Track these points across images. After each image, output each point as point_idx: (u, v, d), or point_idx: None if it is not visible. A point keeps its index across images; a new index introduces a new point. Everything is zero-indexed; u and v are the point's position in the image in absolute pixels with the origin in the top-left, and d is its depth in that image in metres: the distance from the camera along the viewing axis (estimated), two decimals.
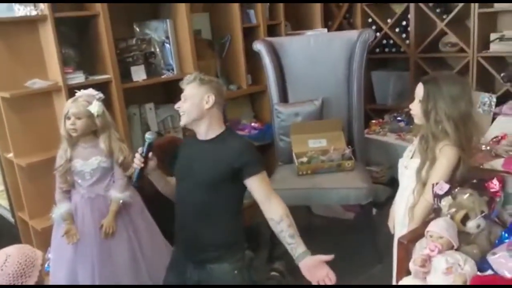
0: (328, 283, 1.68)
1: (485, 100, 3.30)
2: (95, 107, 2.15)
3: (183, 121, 1.91)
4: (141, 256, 2.28)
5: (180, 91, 3.30)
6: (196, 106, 1.87)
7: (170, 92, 3.26)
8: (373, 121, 3.93)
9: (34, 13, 2.46)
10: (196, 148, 1.93)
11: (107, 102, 2.59)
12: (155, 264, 2.29)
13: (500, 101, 3.21)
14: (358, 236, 3.13)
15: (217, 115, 1.91)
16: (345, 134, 3.05)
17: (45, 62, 2.62)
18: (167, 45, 3.05)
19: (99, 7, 2.63)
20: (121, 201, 2.22)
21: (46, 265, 2.43)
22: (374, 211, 3.24)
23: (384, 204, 3.30)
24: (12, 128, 2.56)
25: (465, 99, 1.72)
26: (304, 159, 2.92)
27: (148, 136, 1.88)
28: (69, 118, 2.14)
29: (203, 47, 3.36)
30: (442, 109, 1.71)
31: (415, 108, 1.81)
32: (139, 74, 2.88)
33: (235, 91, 3.48)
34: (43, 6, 2.45)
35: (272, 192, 1.83)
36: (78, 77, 2.62)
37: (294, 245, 1.74)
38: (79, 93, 2.21)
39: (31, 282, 1.45)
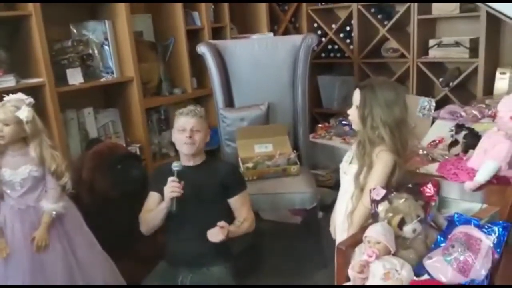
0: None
1: (425, 104, 3.40)
2: (24, 113, 2.01)
3: (193, 151, 2.17)
4: (77, 269, 2.17)
5: (121, 96, 3.21)
6: (204, 138, 2.21)
7: (111, 96, 3.16)
8: (319, 125, 3.96)
9: None
10: (187, 172, 2.14)
11: (40, 107, 2.46)
12: (92, 276, 2.19)
13: (440, 106, 3.31)
14: (305, 240, 3.14)
15: None
16: (290, 139, 3.04)
17: None
18: (106, 47, 2.94)
19: (31, 7, 2.48)
20: (54, 212, 2.09)
21: None
22: (320, 214, 3.25)
23: (330, 207, 3.32)
24: None
25: (400, 105, 1.75)
26: (250, 165, 2.88)
27: (175, 165, 2.09)
28: None
29: (145, 49, 3.27)
30: (378, 115, 1.72)
31: (353, 114, 1.82)
32: (75, 77, 2.75)
33: (180, 95, 3.41)
34: None
35: (244, 207, 2.22)
36: (8, 81, 2.46)
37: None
38: (7, 98, 2.07)
39: None
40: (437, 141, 2.43)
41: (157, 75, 3.34)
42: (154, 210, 2.17)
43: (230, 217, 2.20)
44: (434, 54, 3.53)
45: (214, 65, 3.10)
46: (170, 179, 2.06)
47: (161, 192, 2.15)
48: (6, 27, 2.62)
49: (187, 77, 3.45)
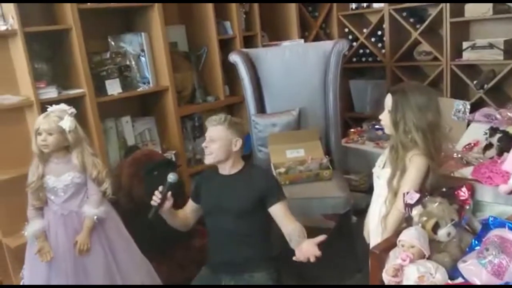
0: (312, 259, 1.85)
1: (459, 107, 3.34)
2: (67, 123, 2.12)
3: (209, 161, 2.10)
4: (117, 272, 2.24)
5: (157, 104, 3.31)
6: (224, 148, 2.07)
7: (147, 105, 3.26)
8: (352, 129, 3.96)
9: (3, 28, 2.43)
10: (221, 182, 2.13)
11: (81, 117, 2.58)
12: (131, 279, 2.26)
13: (475, 108, 3.25)
14: (338, 245, 3.13)
15: (240, 153, 2.14)
16: (322, 144, 3.06)
17: (17, 78, 2.58)
18: (143, 58, 3.05)
19: (71, 21, 2.61)
20: (95, 217, 2.18)
21: (20, 283, 2.41)
22: (354, 219, 3.24)
23: (364, 212, 3.30)
24: None
25: (433, 109, 1.74)
26: (282, 170, 2.92)
27: (171, 176, 2.02)
28: (40, 134, 2.10)
29: (180, 59, 3.36)
30: (410, 119, 1.72)
31: (385, 119, 1.83)
32: (114, 88, 2.87)
33: (213, 103, 3.49)
34: (12, 21, 2.42)
35: (291, 217, 2.05)
36: (51, 92, 2.59)
37: (298, 241, 1.95)
38: (50, 109, 2.17)
39: None
40: (472, 144, 2.40)
41: (191, 84, 3.43)
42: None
43: (267, 227, 2.15)
44: (468, 56, 3.48)
45: (246, 72, 3.16)
46: (160, 188, 2.03)
47: (194, 200, 2.21)
48: (48, 41, 2.75)
49: (220, 85, 3.52)
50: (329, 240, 3.24)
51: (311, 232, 3.41)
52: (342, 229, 3.24)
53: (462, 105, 3.33)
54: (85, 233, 2.15)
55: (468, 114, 3.22)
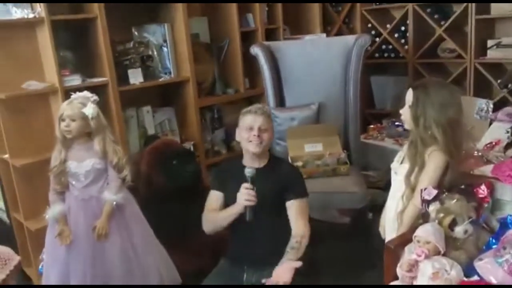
0: (281, 283, 1.83)
1: (482, 106, 3.30)
2: (90, 109, 2.16)
3: (260, 149, 2.07)
4: (135, 258, 2.28)
5: (177, 95, 3.31)
6: (271, 138, 2.12)
7: (167, 95, 3.29)
8: (371, 126, 3.94)
9: (31, 16, 2.48)
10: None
11: (104, 105, 2.61)
12: (147, 263, 2.30)
13: (498, 107, 3.20)
14: (353, 241, 3.13)
15: None
16: (341, 139, 3.06)
17: (42, 65, 2.64)
18: (165, 49, 3.08)
19: (96, 10, 2.65)
20: (114, 203, 2.21)
21: (40, 267, 2.47)
22: (370, 215, 3.23)
23: (381, 208, 3.28)
24: (7, 129, 2.57)
25: (454, 106, 1.73)
26: (300, 163, 2.93)
27: (249, 170, 2.00)
28: (63, 120, 2.15)
29: (201, 50, 3.38)
30: (430, 115, 1.71)
31: (405, 113, 1.82)
32: (136, 77, 2.90)
33: (233, 95, 3.50)
34: (40, 9, 2.47)
35: (301, 219, 2.05)
36: (75, 80, 2.64)
37: (287, 254, 1.95)
38: (74, 96, 2.22)
39: None
40: (494, 143, 2.37)
41: (211, 75, 3.45)
42: (222, 212, 2.11)
43: None
44: (493, 54, 3.42)
45: (266, 65, 3.16)
46: (244, 185, 1.97)
47: (223, 191, 2.14)
48: (73, 30, 2.80)
49: (240, 77, 3.53)
50: (344, 235, 3.28)
51: (326, 227, 3.45)
52: (357, 225, 3.24)
53: (485, 104, 3.29)
54: (104, 218, 2.19)
55: (490, 113, 3.18)
